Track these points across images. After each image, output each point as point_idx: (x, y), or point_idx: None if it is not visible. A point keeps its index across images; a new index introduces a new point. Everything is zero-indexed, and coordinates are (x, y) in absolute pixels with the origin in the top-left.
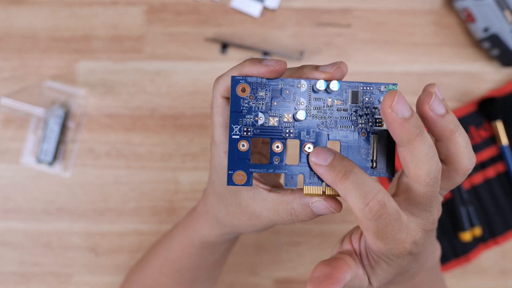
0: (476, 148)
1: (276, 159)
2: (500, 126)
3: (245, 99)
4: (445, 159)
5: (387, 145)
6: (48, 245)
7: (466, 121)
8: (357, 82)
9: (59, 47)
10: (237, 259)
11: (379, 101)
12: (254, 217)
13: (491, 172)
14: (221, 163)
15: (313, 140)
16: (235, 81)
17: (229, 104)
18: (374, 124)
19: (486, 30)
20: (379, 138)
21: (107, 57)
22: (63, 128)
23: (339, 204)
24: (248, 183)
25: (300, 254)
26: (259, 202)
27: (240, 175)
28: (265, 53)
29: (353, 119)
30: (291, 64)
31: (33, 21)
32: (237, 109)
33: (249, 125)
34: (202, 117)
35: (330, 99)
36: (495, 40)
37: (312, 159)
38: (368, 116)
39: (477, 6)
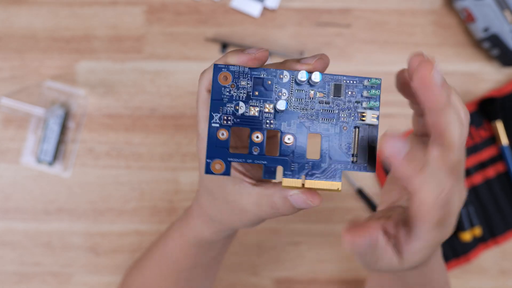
0: (476, 148)
1: (256, 150)
2: (500, 126)
3: (227, 87)
4: (426, 134)
5: (369, 140)
6: (48, 245)
7: None
8: (341, 75)
9: (59, 47)
10: (237, 259)
11: (361, 95)
12: (241, 212)
13: (491, 172)
14: None
15: (294, 132)
16: (217, 69)
17: None
18: (357, 118)
19: (486, 30)
20: (361, 133)
21: (107, 57)
22: (63, 128)
23: (318, 197)
24: (226, 172)
25: (300, 254)
26: (244, 197)
27: (218, 164)
28: None
29: (335, 112)
30: None
31: (33, 21)
32: (218, 97)
33: (229, 114)
34: None
35: (312, 91)
36: (495, 40)
37: (388, 148)
38: (350, 111)
39: (477, 6)
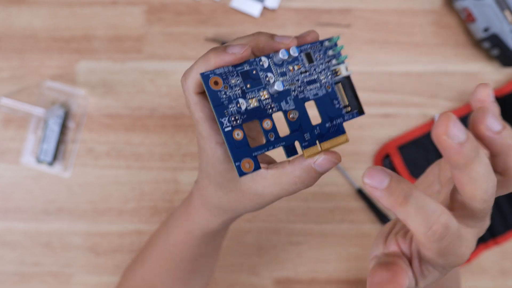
0: None
1: (271, 135)
2: None
3: (221, 90)
4: (502, 172)
5: (351, 89)
6: (48, 245)
7: (466, 121)
8: (305, 44)
9: (59, 47)
10: (237, 259)
11: (328, 56)
12: (257, 197)
13: None
14: (215, 154)
15: (293, 107)
16: (205, 77)
17: (205, 99)
18: (333, 75)
19: (486, 30)
20: (342, 85)
21: (107, 57)
22: (63, 128)
23: (338, 154)
24: (256, 167)
25: (300, 254)
26: (259, 182)
27: (247, 163)
28: None
29: (315, 77)
30: None
31: (33, 21)
32: (218, 103)
33: (235, 114)
34: None
35: (291, 67)
36: (495, 40)
37: (366, 181)
38: (326, 71)
39: (477, 6)
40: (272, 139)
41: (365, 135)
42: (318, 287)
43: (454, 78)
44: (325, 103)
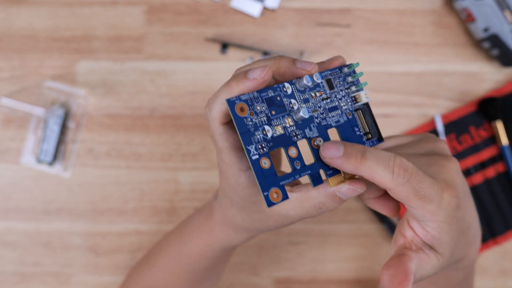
0: (476, 148)
1: (297, 164)
2: (500, 126)
3: (247, 117)
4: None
5: (370, 116)
6: (48, 245)
7: (466, 121)
8: (325, 71)
9: (59, 47)
10: (237, 259)
11: (347, 82)
12: (282, 218)
13: (491, 172)
14: (238, 180)
15: (317, 134)
16: (231, 103)
17: (230, 129)
18: (353, 102)
19: (486, 30)
20: (362, 112)
21: (107, 57)
22: (63, 128)
23: (362, 182)
24: (284, 197)
25: (300, 254)
26: (283, 204)
27: (275, 193)
28: (265, 53)
29: (335, 104)
30: None
31: (33, 21)
32: (245, 130)
33: (261, 141)
34: (202, 117)
35: (313, 93)
36: (495, 40)
37: (325, 154)
38: (346, 97)
39: (477, 6)
40: (298, 167)
41: None
42: (318, 287)
43: (454, 78)
44: (347, 130)
